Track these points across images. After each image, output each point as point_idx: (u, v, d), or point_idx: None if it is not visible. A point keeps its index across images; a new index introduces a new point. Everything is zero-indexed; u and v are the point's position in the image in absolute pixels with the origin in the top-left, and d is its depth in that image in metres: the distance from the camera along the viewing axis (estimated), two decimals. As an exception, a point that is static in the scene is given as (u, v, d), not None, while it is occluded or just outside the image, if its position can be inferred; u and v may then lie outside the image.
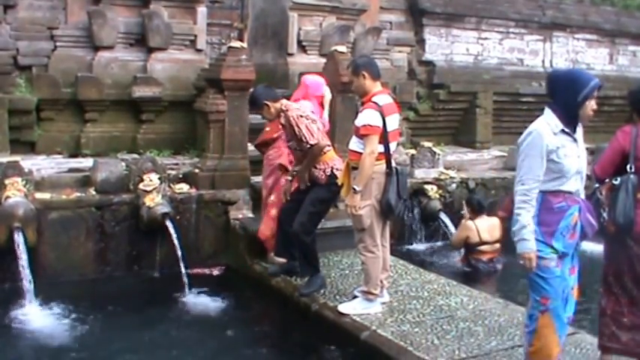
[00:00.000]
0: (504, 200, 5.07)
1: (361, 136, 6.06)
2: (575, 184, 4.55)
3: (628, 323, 5.15)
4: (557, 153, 4.42)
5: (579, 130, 4.60)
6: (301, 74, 10.08)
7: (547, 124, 4.47)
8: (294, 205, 7.06)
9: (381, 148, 6.05)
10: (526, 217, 4.40)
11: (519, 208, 4.43)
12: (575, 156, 4.50)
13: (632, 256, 5.03)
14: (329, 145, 6.99)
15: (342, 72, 8.74)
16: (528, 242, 4.41)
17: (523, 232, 4.41)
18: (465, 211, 8.96)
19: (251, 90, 7.63)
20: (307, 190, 6.96)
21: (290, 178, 7.27)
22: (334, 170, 6.82)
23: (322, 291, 6.89)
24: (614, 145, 5.16)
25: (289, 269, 7.42)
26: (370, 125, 5.98)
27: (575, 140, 4.54)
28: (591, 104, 4.48)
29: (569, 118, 4.47)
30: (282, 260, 7.50)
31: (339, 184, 6.45)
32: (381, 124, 5.98)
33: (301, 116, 6.76)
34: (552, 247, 4.47)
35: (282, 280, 7.32)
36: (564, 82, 4.54)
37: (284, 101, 7.03)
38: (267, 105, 6.93)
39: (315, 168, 6.86)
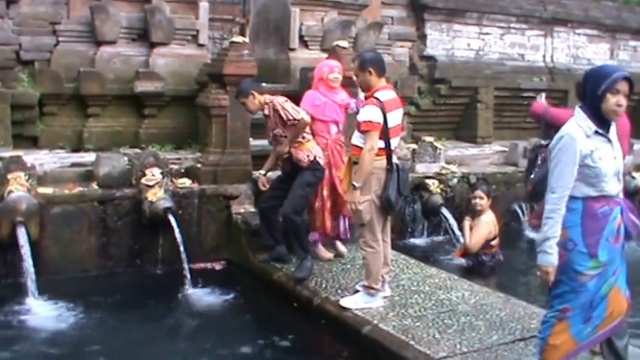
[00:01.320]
0: (539, 207, 4.93)
1: (362, 132, 6.10)
2: (615, 187, 4.40)
3: None
4: (591, 157, 4.26)
5: (613, 129, 4.42)
6: (303, 69, 10.14)
7: (579, 127, 4.30)
8: (277, 194, 7.42)
9: (381, 144, 6.07)
10: (552, 228, 4.26)
11: (547, 217, 4.28)
12: (611, 157, 4.34)
13: None
14: (309, 134, 7.32)
15: (343, 67, 8.75)
16: (549, 256, 4.27)
17: (546, 245, 4.28)
18: (477, 202, 8.86)
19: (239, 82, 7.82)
20: (290, 179, 7.28)
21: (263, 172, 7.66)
22: (317, 158, 7.21)
23: (324, 285, 6.95)
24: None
25: (278, 256, 7.64)
26: (371, 121, 6.01)
27: (609, 141, 4.37)
28: (616, 99, 4.24)
29: (597, 116, 4.30)
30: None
31: (340, 177, 6.53)
32: (381, 121, 6.01)
33: (286, 101, 7.23)
34: (596, 259, 4.33)
35: (283, 274, 7.35)
36: (590, 77, 4.39)
37: (267, 96, 7.35)
38: (253, 94, 7.28)
39: (299, 152, 7.21)
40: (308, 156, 7.20)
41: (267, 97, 7.33)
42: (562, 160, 4.26)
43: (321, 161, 7.29)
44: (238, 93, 7.50)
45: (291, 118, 7.13)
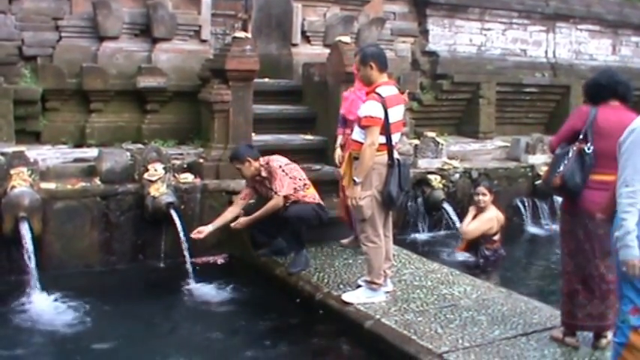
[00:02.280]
0: (604, 201, 4.90)
1: (363, 127, 6.11)
2: None
3: (583, 301, 5.32)
4: None
5: None
6: (305, 65, 10.15)
7: None
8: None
9: (382, 140, 6.09)
10: (632, 221, 4.17)
11: (625, 212, 4.19)
12: None
13: (585, 232, 5.15)
14: (303, 179, 7.49)
15: (346, 62, 8.78)
16: (633, 249, 4.17)
17: (628, 239, 4.18)
18: (480, 199, 8.87)
19: (234, 147, 8.01)
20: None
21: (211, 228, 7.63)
22: (318, 200, 7.46)
23: (326, 280, 6.98)
24: (570, 123, 5.34)
25: (277, 249, 7.68)
26: (371, 117, 6.03)
27: None
28: None
29: None
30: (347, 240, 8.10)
31: (341, 172, 6.59)
32: (382, 116, 6.03)
33: (280, 166, 7.30)
34: None
35: (285, 269, 7.36)
36: None
37: (262, 159, 7.45)
38: (249, 161, 7.36)
39: (304, 199, 7.37)
40: (314, 199, 7.44)
41: (262, 160, 7.44)
42: (635, 152, 4.18)
43: (321, 202, 7.53)
44: (233, 158, 7.59)
45: (274, 190, 7.29)
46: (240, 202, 7.64)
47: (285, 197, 7.31)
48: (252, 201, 7.74)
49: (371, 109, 6.06)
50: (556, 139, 5.44)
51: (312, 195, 7.45)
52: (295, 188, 7.36)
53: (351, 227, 7.88)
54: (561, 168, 5.12)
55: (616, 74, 5.37)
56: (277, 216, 7.35)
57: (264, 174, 7.41)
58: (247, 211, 7.64)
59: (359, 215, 6.29)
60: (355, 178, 6.10)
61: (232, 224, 7.52)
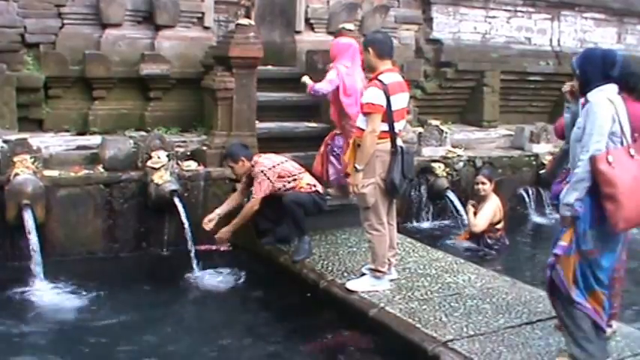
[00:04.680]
0: None
1: (364, 114, 6.10)
2: None
3: None
4: None
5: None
6: (309, 52, 10.10)
7: None
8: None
9: (385, 127, 6.08)
10: None
11: None
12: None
13: None
14: (292, 174, 7.47)
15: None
16: None
17: None
18: (480, 187, 8.86)
19: (229, 145, 7.98)
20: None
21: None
22: (317, 187, 7.46)
23: (330, 268, 6.98)
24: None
25: (281, 237, 7.69)
26: (372, 103, 6.02)
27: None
28: None
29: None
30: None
31: (345, 160, 6.57)
32: (383, 103, 6.01)
33: (262, 171, 7.33)
34: None
35: (289, 257, 7.35)
36: None
37: (254, 158, 7.50)
38: (242, 161, 7.42)
39: (302, 189, 7.38)
40: (310, 188, 7.43)
41: (253, 160, 7.48)
42: None
43: (321, 190, 7.56)
44: (227, 156, 7.65)
45: (254, 192, 7.37)
46: (243, 192, 7.69)
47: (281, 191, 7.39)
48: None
49: (372, 96, 6.05)
50: (561, 127, 5.41)
51: (307, 186, 7.43)
52: (279, 187, 7.38)
53: (326, 178, 8.21)
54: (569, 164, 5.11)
55: (629, 65, 5.28)
56: (279, 203, 7.34)
57: (251, 175, 7.46)
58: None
59: (362, 203, 6.27)
60: (356, 165, 6.09)
61: (216, 234, 7.57)
